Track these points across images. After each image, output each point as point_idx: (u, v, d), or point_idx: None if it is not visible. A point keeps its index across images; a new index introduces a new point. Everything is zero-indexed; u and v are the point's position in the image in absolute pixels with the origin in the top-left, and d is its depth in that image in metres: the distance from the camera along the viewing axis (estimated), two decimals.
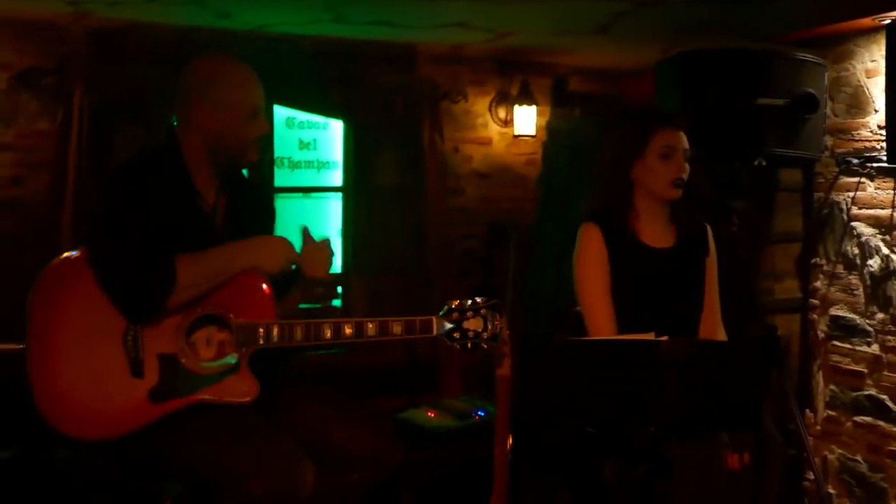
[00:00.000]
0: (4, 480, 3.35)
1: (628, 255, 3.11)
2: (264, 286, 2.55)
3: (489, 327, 2.60)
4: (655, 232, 3.16)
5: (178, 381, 2.49)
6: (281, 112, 5.28)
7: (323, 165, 5.51)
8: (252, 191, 2.92)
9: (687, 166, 3.07)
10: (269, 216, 2.94)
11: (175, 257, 2.43)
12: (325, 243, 2.74)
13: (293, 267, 2.67)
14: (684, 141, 3.08)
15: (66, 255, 2.57)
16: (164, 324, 2.48)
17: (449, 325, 2.58)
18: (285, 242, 2.62)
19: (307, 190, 5.49)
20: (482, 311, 2.60)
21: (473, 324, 2.59)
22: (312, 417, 2.67)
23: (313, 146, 5.49)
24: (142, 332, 2.46)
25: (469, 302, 2.60)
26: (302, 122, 5.43)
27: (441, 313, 2.59)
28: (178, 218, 2.55)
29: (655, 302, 3.09)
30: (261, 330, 2.51)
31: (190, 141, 2.63)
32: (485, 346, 2.60)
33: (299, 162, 5.43)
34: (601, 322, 3.09)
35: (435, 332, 2.58)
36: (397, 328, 2.57)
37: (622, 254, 3.10)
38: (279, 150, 5.30)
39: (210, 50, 4.50)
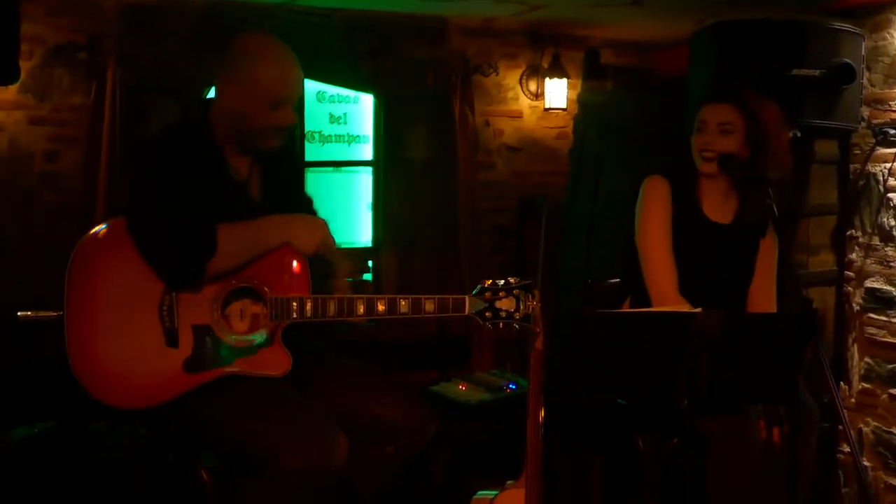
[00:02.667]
0: (46, 450, 3.40)
1: (687, 223, 3.10)
2: (299, 262, 2.56)
3: (521, 307, 2.59)
4: (715, 206, 3.15)
5: (212, 353, 2.51)
6: (311, 86, 5.28)
7: (353, 139, 5.51)
8: (286, 163, 2.92)
9: (718, 140, 3.06)
10: (299, 189, 2.95)
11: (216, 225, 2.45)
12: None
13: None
14: (722, 114, 3.07)
15: (103, 224, 2.59)
16: (199, 295, 2.49)
17: (481, 305, 2.58)
18: (325, 226, 2.62)
19: (337, 164, 5.50)
20: (515, 291, 2.59)
21: (506, 304, 2.59)
22: (348, 389, 2.69)
23: (344, 120, 5.49)
24: (177, 302, 2.48)
25: (502, 282, 2.60)
26: (332, 96, 5.43)
27: (474, 292, 2.58)
28: (212, 189, 2.55)
29: (704, 275, 3.08)
30: (294, 304, 2.52)
31: (219, 114, 2.63)
32: (516, 326, 2.60)
33: (330, 136, 5.44)
34: (664, 278, 3.08)
35: (467, 311, 2.58)
36: (430, 306, 2.57)
37: (682, 220, 3.09)
38: (309, 125, 5.31)
39: (245, 25, 4.55)
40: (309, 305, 2.53)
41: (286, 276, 2.55)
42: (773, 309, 3.22)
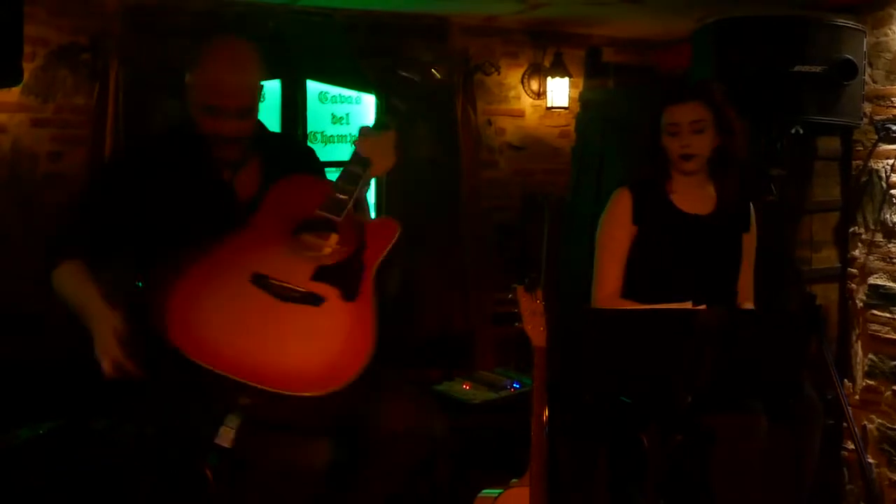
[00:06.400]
0: (51, 450, 3.41)
1: (662, 219, 3.13)
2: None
3: None
4: (691, 199, 3.18)
5: None
6: (313, 86, 5.29)
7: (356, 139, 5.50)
8: (289, 145, 2.94)
9: (694, 139, 3.10)
10: (316, 169, 3.00)
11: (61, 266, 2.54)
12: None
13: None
14: (693, 113, 3.11)
15: None
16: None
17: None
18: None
19: (340, 164, 5.46)
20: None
21: None
22: (354, 394, 2.66)
23: (346, 120, 5.49)
24: None
25: None
26: (334, 97, 5.43)
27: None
28: (185, 193, 2.62)
29: (688, 267, 3.09)
30: None
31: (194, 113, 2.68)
32: None
33: (332, 136, 5.44)
34: (604, 283, 3.16)
35: None
36: None
37: (655, 218, 3.12)
38: (312, 125, 5.31)
39: (243, 24, 4.56)
40: None
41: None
42: (752, 300, 3.26)
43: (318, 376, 2.31)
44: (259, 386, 2.23)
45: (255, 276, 2.40)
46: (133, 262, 2.68)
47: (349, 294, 2.46)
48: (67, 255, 2.57)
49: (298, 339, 2.36)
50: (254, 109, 2.72)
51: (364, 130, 2.76)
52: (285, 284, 2.41)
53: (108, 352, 2.39)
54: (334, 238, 2.53)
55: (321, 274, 2.47)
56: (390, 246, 2.62)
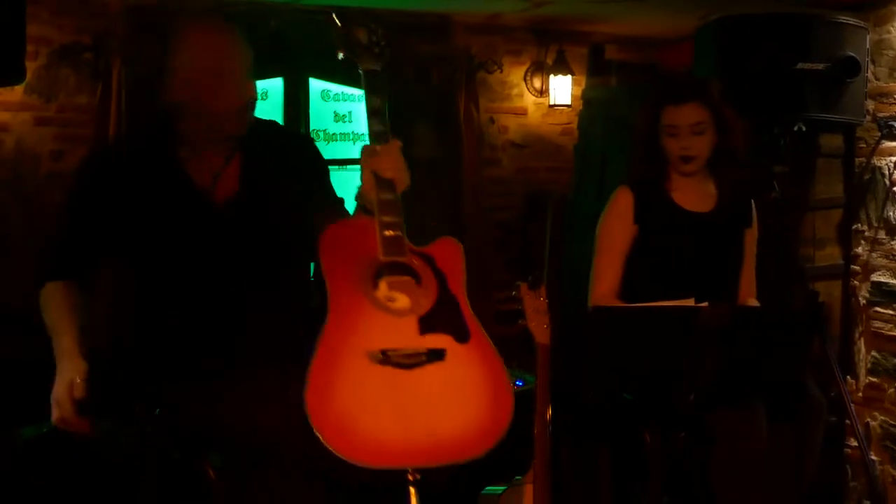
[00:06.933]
0: (54, 449, 3.41)
1: (662, 217, 3.13)
2: None
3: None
4: (692, 197, 3.17)
5: None
6: (316, 84, 5.28)
7: (358, 138, 5.50)
8: (281, 139, 2.78)
9: (694, 141, 3.09)
10: (310, 160, 2.82)
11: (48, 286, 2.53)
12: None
13: None
14: (693, 115, 3.09)
15: None
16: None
17: None
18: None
19: (343, 162, 5.48)
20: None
21: None
22: None
23: (348, 119, 5.49)
24: None
25: None
26: (337, 95, 5.42)
27: None
28: (154, 204, 2.47)
29: (692, 265, 3.09)
30: None
31: (178, 108, 2.49)
32: None
33: (335, 134, 5.44)
34: (601, 282, 3.16)
35: None
36: None
37: (656, 216, 3.12)
38: (315, 123, 5.31)
39: (245, 22, 4.54)
40: None
41: None
42: (755, 295, 3.26)
43: (483, 432, 2.24)
44: (434, 466, 2.16)
45: (372, 354, 2.22)
46: (127, 274, 2.61)
47: (462, 335, 2.33)
48: (53, 272, 2.54)
49: (446, 401, 2.23)
50: (253, 104, 2.53)
51: (369, 150, 2.46)
52: (405, 351, 2.24)
53: (60, 405, 2.34)
54: (413, 281, 2.38)
55: (426, 324, 2.31)
56: (464, 267, 2.49)
